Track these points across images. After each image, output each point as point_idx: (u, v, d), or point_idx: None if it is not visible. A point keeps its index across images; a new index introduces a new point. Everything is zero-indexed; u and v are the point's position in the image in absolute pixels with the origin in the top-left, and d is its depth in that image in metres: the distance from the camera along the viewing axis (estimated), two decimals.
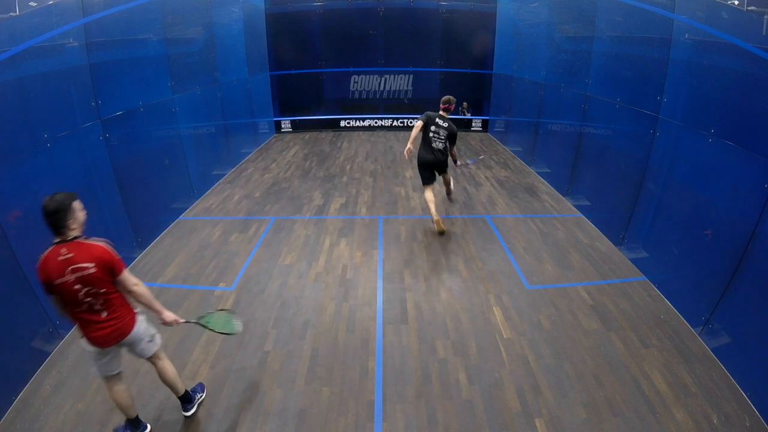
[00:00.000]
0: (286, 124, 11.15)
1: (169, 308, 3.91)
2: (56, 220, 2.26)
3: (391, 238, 5.29)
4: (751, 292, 3.14)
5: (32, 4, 4.16)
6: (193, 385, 3.04)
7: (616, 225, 5.08)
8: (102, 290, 2.38)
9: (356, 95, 11.21)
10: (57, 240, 2.30)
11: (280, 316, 3.88)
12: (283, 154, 9.12)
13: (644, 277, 4.43)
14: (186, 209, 6.16)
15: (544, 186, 7.16)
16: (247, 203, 6.40)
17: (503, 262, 4.73)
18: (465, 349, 3.47)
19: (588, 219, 5.81)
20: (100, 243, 2.39)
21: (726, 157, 3.52)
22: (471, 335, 3.63)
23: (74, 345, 3.51)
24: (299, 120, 11.18)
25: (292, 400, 3.00)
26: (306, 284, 4.36)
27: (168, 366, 2.78)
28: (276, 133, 11.05)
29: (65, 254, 2.27)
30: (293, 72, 10.88)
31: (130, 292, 2.50)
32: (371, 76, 11.02)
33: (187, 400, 2.90)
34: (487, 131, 11.14)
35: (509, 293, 4.19)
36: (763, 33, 3.24)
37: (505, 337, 3.61)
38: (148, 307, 2.59)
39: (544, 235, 5.36)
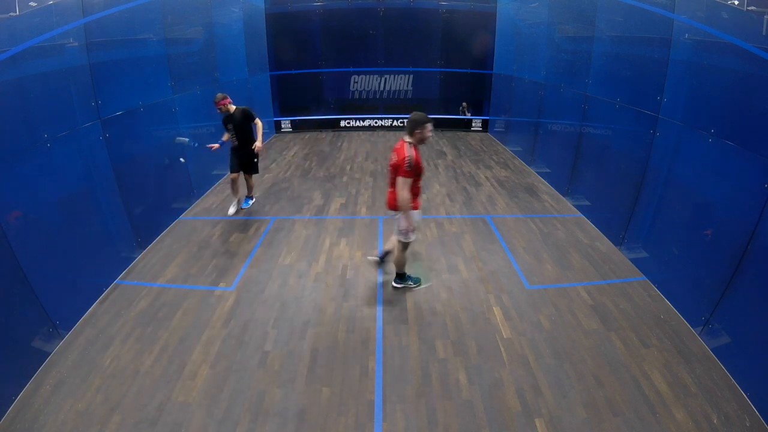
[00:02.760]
0: (286, 124, 11.15)
1: (169, 309, 3.97)
2: (408, 124, 3.48)
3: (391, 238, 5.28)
4: (751, 292, 3.14)
5: (32, 4, 4.16)
6: (414, 276, 4.21)
7: (616, 225, 5.08)
8: (391, 175, 3.55)
9: (356, 95, 11.21)
10: (405, 136, 3.52)
11: (280, 316, 3.88)
12: (283, 154, 9.12)
13: (644, 277, 4.43)
14: (186, 209, 6.16)
15: (544, 186, 7.16)
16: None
17: (503, 262, 4.73)
18: (465, 349, 3.47)
19: (588, 219, 5.81)
20: (407, 153, 3.38)
21: (726, 157, 3.52)
22: (471, 335, 3.63)
23: (74, 345, 3.51)
24: (299, 120, 11.18)
25: (292, 400, 3.00)
26: (306, 284, 4.36)
27: (398, 254, 3.93)
28: (276, 133, 11.05)
29: (397, 145, 3.53)
30: (293, 72, 10.88)
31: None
32: (371, 76, 11.02)
33: (400, 277, 4.09)
34: (487, 131, 11.14)
35: (509, 293, 4.19)
36: (763, 33, 3.23)
37: (505, 337, 3.61)
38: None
39: (544, 235, 5.36)
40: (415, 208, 3.67)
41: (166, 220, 5.67)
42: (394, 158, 3.45)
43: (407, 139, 3.49)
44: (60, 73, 3.87)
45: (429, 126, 3.46)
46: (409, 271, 4.18)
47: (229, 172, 5.99)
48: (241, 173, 5.96)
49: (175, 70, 5.87)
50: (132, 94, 4.95)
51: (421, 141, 3.49)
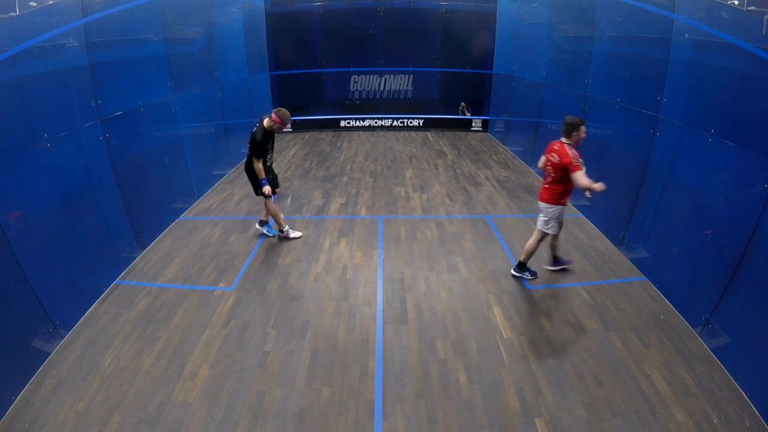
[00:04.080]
0: None
1: (169, 309, 3.97)
2: (565, 128, 3.85)
3: (391, 238, 5.29)
4: (751, 292, 3.14)
5: (32, 4, 4.16)
6: (532, 269, 4.39)
7: (616, 225, 5.07)
8: (551, 172, 3.92)
9: (356, 95, 11.21)
10: (561, 138, 3.89)
11: (280, 316, 3.88)
12: (283, 154, 9.12)
13: (644, 277, 4.43)
14: (186, 209, 6.16)
15: None
16: (247, 203, 6.39)
17: (503, 262, 4.73)
18: (465, 349, 3.47)
19: (588, 219, 5.81)
20: (571, 152, 3.75)
21: (726, 157, 3.51)
22: (471, 335, 3.63)
23: (74, 345, 3.51)
24: (299, 120, 11.17)
25: (292, 400, 3.00)
26: (306, 284, 4.36)
27: (533, 243, 4.18)
28: None
29: (555, 146, 3.90)
30: (293, 72, 10.88)
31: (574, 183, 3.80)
32: (371, 76, 11.01)
33: (521, 266, 4.34)
34: (487, 131, 11.14)
35: (509, 293, 4.19)
36: (763, 33, 3.23)
37: (505, 337, 3.61)
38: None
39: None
40: (564, 204, 4.03)
41: (166, 220, 5.67)
42: (556, 158, 3.82)
43: (565, 140, 3.83)
44: (60, 73, 3.87)
45: (583, 128, 3.81)
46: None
47: (272, 200, 5.01)
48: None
49: (175, 70, 5.86)
50: (132, 94, 4.94)
51: (578, 142, 3.83)
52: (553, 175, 3.92)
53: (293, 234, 5.29)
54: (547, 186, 4.03)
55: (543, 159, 4.11)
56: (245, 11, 8.92)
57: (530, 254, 4.28)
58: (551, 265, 4.51)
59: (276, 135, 5.01)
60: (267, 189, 4.84)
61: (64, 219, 3.82)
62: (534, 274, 4.39)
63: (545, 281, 4.39)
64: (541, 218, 4.08)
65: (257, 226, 5.41)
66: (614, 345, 3.50)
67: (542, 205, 4.06)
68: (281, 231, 5.27)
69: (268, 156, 4.91)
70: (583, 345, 3.51)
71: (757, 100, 3.18)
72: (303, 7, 10.43)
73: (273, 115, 4.71)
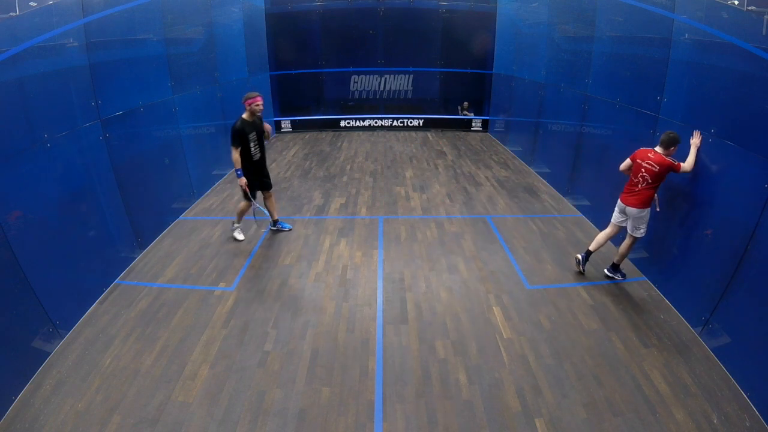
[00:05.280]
0: (286, 124, 11.15)
1: (169, 309, 3.96)
2: (666, 140, 3.86)
3: (391, 238, 5.29)
4: (751, 292, 3.13)
5: (32, 4, 4.16)
6: (624, 271, 4.44)
7: None
8: (648, 179, 3.95)
9: (356, 95, 11.21)
10: (657, 147, 3.94)
11: (280, 316, 3.88)
12: (283, 154, 9.12)
13: (644, 277, 4.43)
14: (186, 209, 6.16)
15: (544, 186, 7.16)
16: (247, 203, 6.38)
17: (503, 262, 4.73)
18: (465, 349, 3.47)
19: (588, 219, 5.81)
20: (667, 158, 3.84)
21: (726, 157, 3.52)
22: (471, 335, 3.63)
23: (74, 345, 3.51)
24: (299, 120, 11.18)
25: (292, 400, 3.00)
26: (306, 284, 4.36)
27: (627, 248, 4.24)
28: (276, 133, 11.04)
29: (650, 155, 3.93)
30: (293, 72, 10.88)
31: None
32: (371, 76, 11.02)
33: (615, 267, 4.40)
34: (487, 131, 11.15)
35: (509, 293, 4.19)
36: (763, 33, 3.23)
37: (505, 337, 3.61)
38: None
39: (544, 235, 5.36)
40: (650, 206, 4.13)
41: (166, 220, 5.67)
42: (656, 167, 3.90)
43: (660, 150, 3.92)
44: (60, 73, 3.87)
45: (678, 146, 3.92)
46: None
47: (243, 200, 5.05)
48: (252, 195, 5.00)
49: (175, 70, 5.86)
50: (132, 94, 4.95)
51: (669, 155, 3.94)
52: (650, 181, 3.97)
53: (239, 236, 5.27)
54: (637, 191, 4.05)
55: (629, 163, 4.12)
56: (245, 11, 8.92)
57: (624, 258, 4.35)
58: (610, 271, 4.47)
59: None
60: (242, 181, 4.79)
61: (64, 219, 3.81)
62: (624, 275, 4.43)
63: (545, 281, 4.39)
64: (637, 225, 4.11)
65: (271, 227, 5.47)
66: (614, 345, 3.50)
67: (634, 210, 4.06)
68: (235, 223, 5.29)
69: (253, 148, 4.79)
70: (583, 345, 3.51)
71: (757, 100, 3.18)
72: (303, 7, 10.43)
73: (245, 103, 4.73)
